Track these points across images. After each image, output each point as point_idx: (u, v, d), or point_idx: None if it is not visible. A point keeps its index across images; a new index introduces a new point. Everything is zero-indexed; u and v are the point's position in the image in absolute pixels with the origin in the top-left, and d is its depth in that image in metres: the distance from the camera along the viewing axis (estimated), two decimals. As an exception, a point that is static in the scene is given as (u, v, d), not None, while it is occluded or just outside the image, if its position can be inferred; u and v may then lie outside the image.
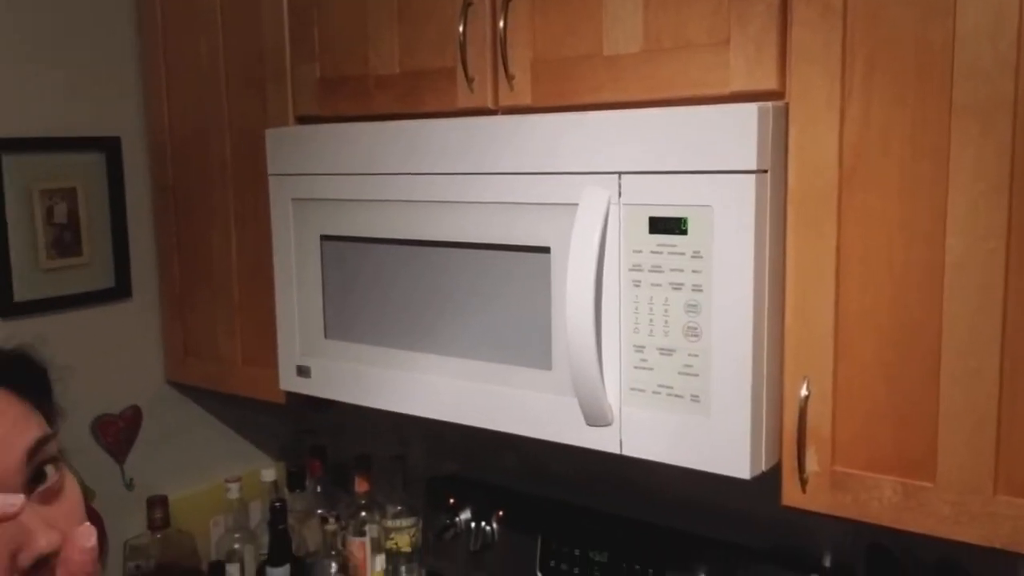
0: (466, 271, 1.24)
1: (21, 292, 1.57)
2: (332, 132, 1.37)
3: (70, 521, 0.63)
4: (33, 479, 0.64)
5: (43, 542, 0.61)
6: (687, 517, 1.49)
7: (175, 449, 1.83)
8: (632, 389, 1.10)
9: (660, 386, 1.07)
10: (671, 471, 1.09)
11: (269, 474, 1.82)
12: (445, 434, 1.85)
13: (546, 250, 1.15)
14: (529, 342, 1.19)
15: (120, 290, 1.71)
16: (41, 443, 0.66)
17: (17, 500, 0.51)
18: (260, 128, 1.48)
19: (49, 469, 0.66)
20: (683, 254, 1.01)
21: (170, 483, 1.79)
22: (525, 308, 1.19)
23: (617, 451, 1.13)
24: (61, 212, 1.62)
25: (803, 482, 1.05)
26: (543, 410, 1.18)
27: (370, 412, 1.93)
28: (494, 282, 1.22)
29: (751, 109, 0.96)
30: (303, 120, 1.47)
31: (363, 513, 1.81)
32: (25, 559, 0.60)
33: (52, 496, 0.65)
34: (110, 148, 1.68)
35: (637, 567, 1.51)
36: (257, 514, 1.85)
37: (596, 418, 1.13)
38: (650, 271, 1.04)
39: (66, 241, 1.63)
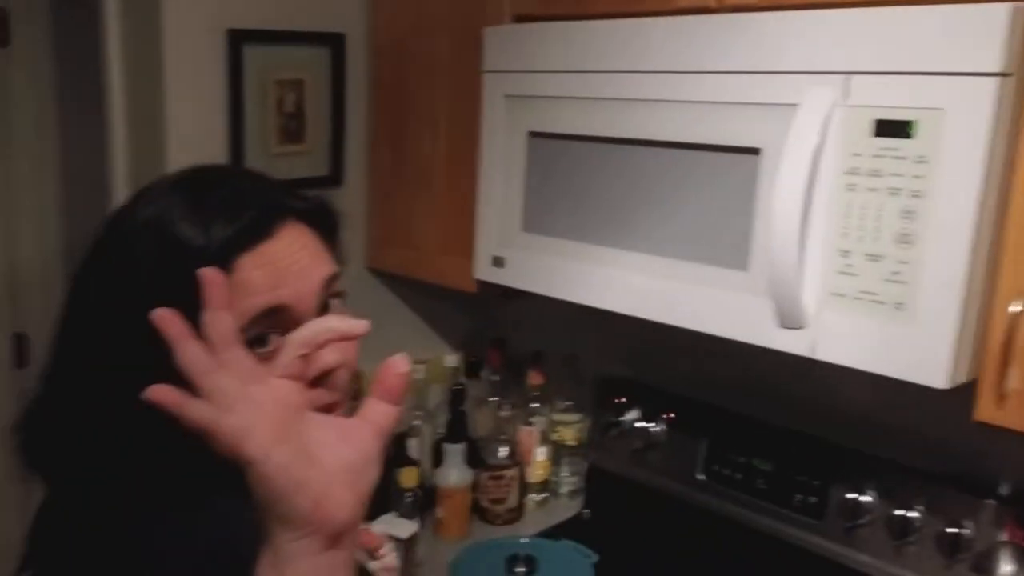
0: (669, 170, 1.29)
1: (250, 172, 1.74)
2: (548, 30, 1.43)
3: (348, 348, 0.74)
4: (319, 309, 0.76)
5: (330, 358, 0.72)
6: (858, 435, 1.52)
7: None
8: (832, 294, 1.13)
9: (863, 292, 1.10)
10: (847, 387, 1.11)
11: (452, 360, 1.96)
12: (618, 337, 1.93)
13: (756, 151, 1.19)
14: (727, 242, 1.23)
15: (333, 178, 1.86)
16: (333, 278, 0.78)
17: (363, 325, 0.61)
18: (477, 26, 1.55)
19: (334, 302, 0.78)
20: (905, 159, 1.03)
21: (362, 360, 1.95)
22: (726, 208, 1.23)
23: (809, 355, 1.17)
24: (290, 102, 1.77)
25: (1001, 398, 1.06)
26: (736, 310, 1.23)
27: (547, 311, 2.03)
28: (697, 182, 1.26)
29: (1003, 8, 0.95)
30: (520, 19, 1.54)
31: (534, 404, 1.93)
32: (312, 370, 0.71)
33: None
34: (335, 43, 1.81)
35: (802, 479, 1.56)
36: (436, 396, 2.00)
37: (791, 320, 1.17)
38: (867, 175, 1.06)
39: (292, 129, 1.79)
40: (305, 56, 1.78)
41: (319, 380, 0.73)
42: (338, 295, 0.80)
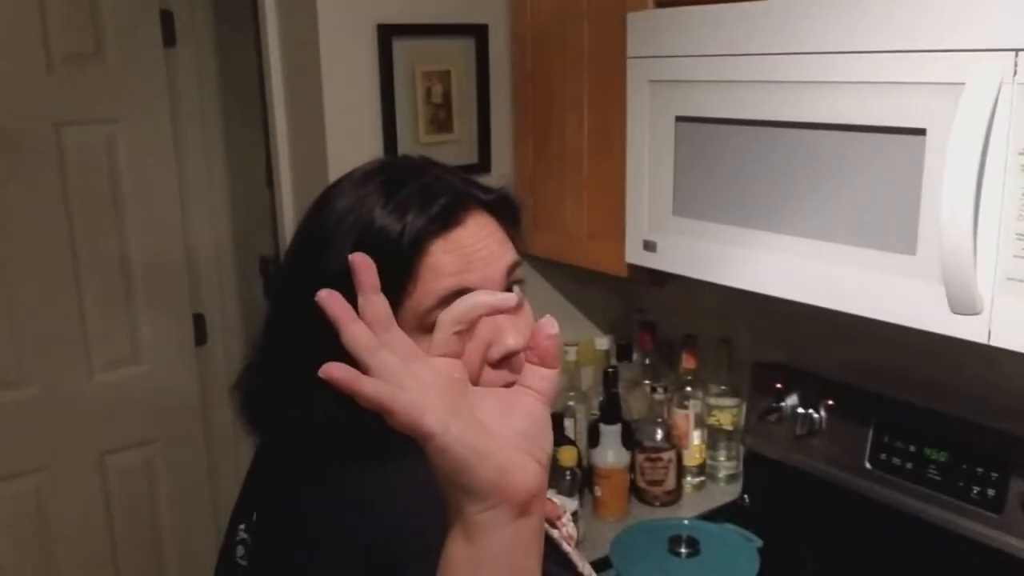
0: (825, 152, 1.23)
1: (403, 164, 1.79)
2: (692, 15, 1.39)
3: (526, 329, 0.76)
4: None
5: (511, 341, 0.77)
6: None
7: (520, 313, 2.02)
8: (1009, 279, 1.05)
9: (1045, 277, 1.01)
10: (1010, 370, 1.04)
11: (603, 343, 1.96)
12: (772, 322, 1.87)
13: (921, 132, 1.12)
14: (891, 226, 1.17)
15: (481, 166, 1.89)
16: (516, 265, 0.83)
17: (513, 298, 0.61)
18: (618, 13, 1.53)
19: (516, 288, 0.83)
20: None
21: (514, 343, 1.99)
22: (889, 191, 1.16)
23: (984, 341, 1.09)
24: (437, 92, 1.81)
25: None
26: (904, 295, 1.16)
27: (698, 294, 2.00)
28: (855, 164, 1.20)
29: None
30: (662, 4, 1.51)
31: (688, 388, 1.90)
32: (495, 352, 0.76)
33: (518, 310, 0.79)
34: (479, 34, 1.83)
35: (979, 470, 1.47)
36: (588, 378, 2.01)
37: (964, 306, 1.10)
38: (1050, 152, 0.98)
39: (440, 119, 1.83)
40: (451, 47, 1.81)
41: (502, 363, 0.77)
42: (519, 282, 0.85)
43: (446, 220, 0.78)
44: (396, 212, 0.77)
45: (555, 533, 0.88)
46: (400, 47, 1.75)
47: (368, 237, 0.77)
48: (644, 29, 1.48)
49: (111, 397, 2.30)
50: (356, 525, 0.75)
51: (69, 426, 2.25)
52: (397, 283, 0.75)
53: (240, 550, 0.88)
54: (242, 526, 0.89)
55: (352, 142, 1.75)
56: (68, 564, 2.29)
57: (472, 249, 0.79)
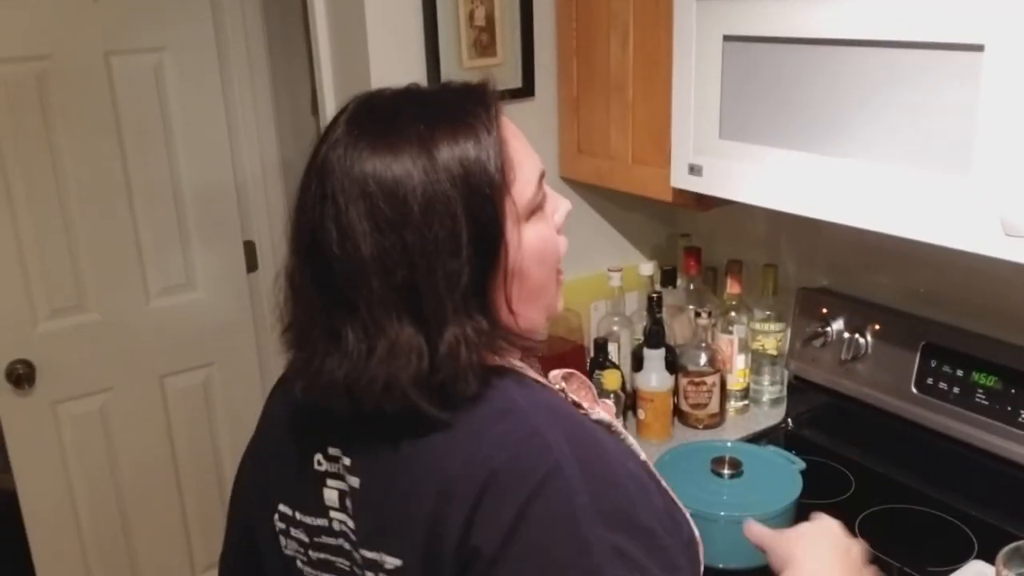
0: (876, 71, 1.20)
1: (446, 88, 1.78)
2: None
3: None
4: None
5: (563, 247, 0.88)
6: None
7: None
8: (1066, 200, 1.03)
9: (1104, 198, 0.99)
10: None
11: (647, 268, 1.96)
12: (818, 248, 1.85)
13: (979, 48, 1.08)
14: (945, 146, 1.14)
15: (525, 90, 1.87)
16: (544, 175, 0.86)
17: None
18: (667, -72, 1.49)
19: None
20: None
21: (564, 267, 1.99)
22: (944, 110, 1.13)
23: (1037, 265, 1.07)
24: (480, 15, 1.78)
25: None
26: (957, 217, 1.14)
27: (743, 219, 1.98)
28: (908, 82, 1.17)
29: None
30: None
31: (732, 313, 1.90)
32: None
33: None
34: (523, -47, 1.79)
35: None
36: (633, 303, 2.02)
37: (1019, 228, 1.08)
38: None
39: (483, 43, 1.80)
40: (494, -31, 1.78)
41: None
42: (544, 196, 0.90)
43: (491, 121, 0.80)
44: (458, 139, 0.78)
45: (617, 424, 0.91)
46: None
47: (469, 179, 0.77)
48: (692, -55, 1.44)
49: (168, 322, 2.38)
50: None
51: (129, 349, 2.33)
52: (505, 190, 0.80)
53: (331, 487, 0.87)
54: (319, 456, 0.87)
55: (395, 67, 1.74)
56: (133, 480, 2.41)
57: (518, 132, 0.85)
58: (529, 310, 0.84)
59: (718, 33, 1.42)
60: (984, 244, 1.12)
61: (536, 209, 0.84)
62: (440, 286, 0.76)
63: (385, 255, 0.76)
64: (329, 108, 1.86)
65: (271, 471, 0.95)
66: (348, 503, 0.85)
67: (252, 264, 2.54)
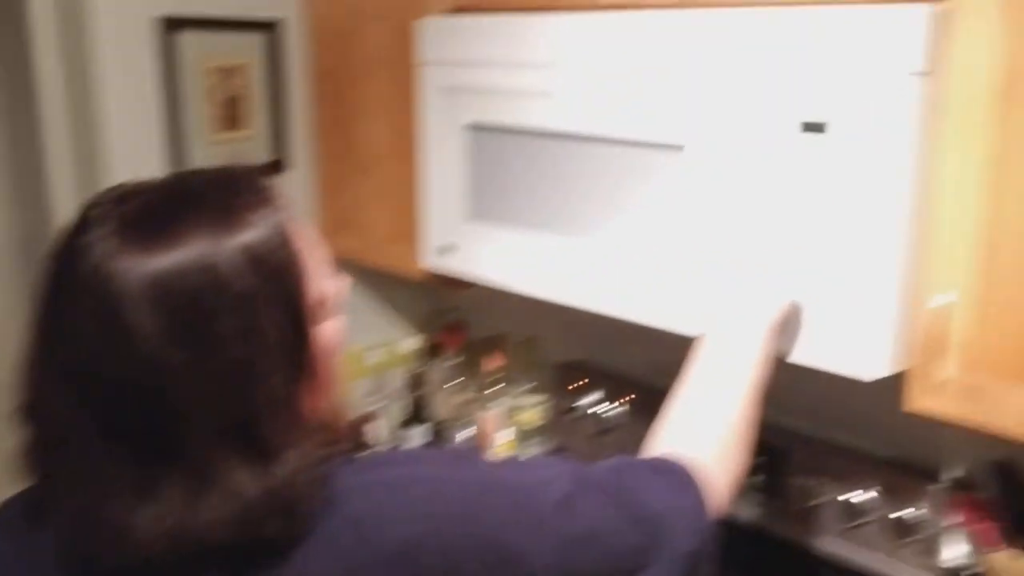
0: (608, 164, 1.26)
1: (192, 163, 1.71)
2: (485, 23, 1.39)
3: None
4: None
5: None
6: (806, 417, 1.50)
7: (325, 316, 1.97)
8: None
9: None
10: (794, 373, 1.10)
11: (409, 344, 1.95)
12: (577, 321, 1.91)
13: (679, 148, 1.16)
14: (661, 234, 1.21)
15: (278, 164, 1.82)
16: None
17: None
18: (415, 17, 1.51)
19: None
20: (832, 155, 1.00)
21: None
22: (660, 203, 1.20)
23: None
24: (228, 89, 1.73)
25: (932, 389, 1.04)
26: (680, 304, 1.21)
27: (506, 294, 2.00)
28: (633, 177, 1.23)
29: (919, 9, 0.93)
30: (457, 10, 1.50)
31: (494, 388, 1.92)
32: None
33: None
34: (273, 30, 1.76)
35: (759, 461, 1.54)
36: (396, 380, 1.99)
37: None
38: (797, 172, 1.03)
39: (232, 116, 1.75)
40: (242, 43, 1.74)
41: None
42: None
43: (278, 207, 0.73)
44: (245, 229, 0.69)
45: None
46: (186, 41, 1.66)
47: (268, 273, 0.69)
48: (436, 35, 1.47)
49: None
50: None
51: None
52: (304, 280, 0.73)
53: None
54: None
55: (134, 142, 1.65)
56: None
57: (298, 215, 0.77)
58: (331, 400, 0.79)
59: (462, 121, 1.45)
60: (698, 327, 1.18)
61: (328, 299, 0.78)
62: (263, 402, 0.68)
63: (197, 376, 0.66)
64: (63, 187, 1.71)
65: None
66: None
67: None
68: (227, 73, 1.72)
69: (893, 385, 1.08)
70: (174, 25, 1.64)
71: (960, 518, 1.29)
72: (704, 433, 0.94)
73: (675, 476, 0.86)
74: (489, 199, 1.44)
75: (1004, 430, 1.00)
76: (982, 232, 0.98)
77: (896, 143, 0.97)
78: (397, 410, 1.92)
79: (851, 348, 1.04)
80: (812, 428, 1.50)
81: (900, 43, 0.95)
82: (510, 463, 0.88)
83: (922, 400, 1.06)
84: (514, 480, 0.80)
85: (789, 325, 1.04)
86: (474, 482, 0.77)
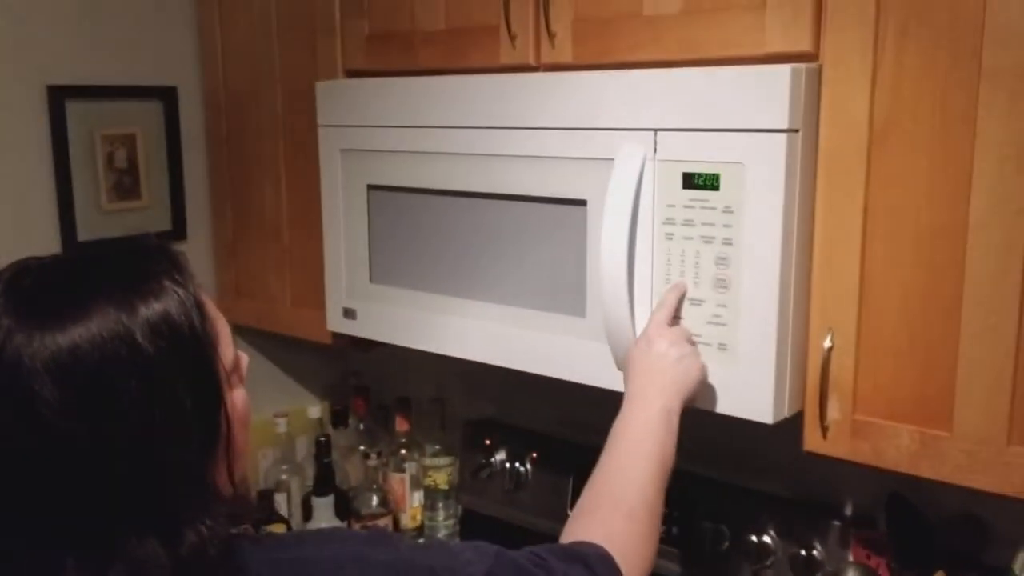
0: (505, 222, 1.30)
1: (84, 233, 1.66)
2: (379, 86, 1.42)
3: None
4: None
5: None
6: (712, 464, 1.55)
7: (227, 385, 1.92)
8: (662, 337, 1.15)
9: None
10: (696, 418, 1.14)
11: (315, 411, 1.92)
12: (482, 379, 1.92)
13: (583, 203, 1.20)
14: (565, 290, 1.24)
15: (176, 232, 1.79)
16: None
17: None
18: (310, 81, 1.53)
19: None
20: (715, 209, 1.05)
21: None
22: (561, 258, 1.24)
23: (647, 395, 1.18)
24: (121, 157, 1.70)
25: (824, 429, 1.10)
26: (577, 355, 1.24)
27: (411, 355, 2.00)
28: (532, 233, 1.27)
29: (784, 70, 1.00)
30: (352, 74, 1.52)
31: (403, 451, 1.90)
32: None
33: None
34: (168, 97, 1.75)
35: (664, 510, 1.57)
36: (303, 448, 1.95)
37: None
38: (682, 225, 1.09)
39: (126, 185, 1.71)
40: (136, 110, 1.72)
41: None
42: None
43: (185, 279, 0.74)
44: (151, 301, 0.70)
45: None
46: (75, 109, 1.63)
47: (179, 345, 0.70)
48: (333, 97, 1.49)
49: None
50: None
51: None
52: (215, 352, 0.73)
53: None
54: None
55: (22, 212, 1.60)
56: None
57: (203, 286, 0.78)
58: (240, 471, 0.79)
59: (362, 182, 1.47)
60: (601, 379, 1.22)
61: (235, 368, 0.79)
62: (173, 473, 0.68)
63: (105, 453, 0.65)
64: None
65: None
66: None
67: None
68: (121, 141, 1.69)
69: (793, 427, 1.13)
70: (65, 93, 1.61)
71: (858, 553, 1.35)
72: (618, 520, 0.98)
73: (592, 562, 0.90)
74: (391, 259, 1.46)
75: (893, 466, 1.06)
76: (858, 279, 1.05)
77: (770, 196, 1.03)
78: (305, 478, 1.88)
79: (749, 393, 1.09)
80: (718, 473, 1.54)
81: (767, 102, 1.01)
82: (431, 544, 0.89)
83: (816, 440, 1.11)
84: (436, 561, 0.81)
85: (695, 389, 1.09)
86: (396, 562, 0.78)
